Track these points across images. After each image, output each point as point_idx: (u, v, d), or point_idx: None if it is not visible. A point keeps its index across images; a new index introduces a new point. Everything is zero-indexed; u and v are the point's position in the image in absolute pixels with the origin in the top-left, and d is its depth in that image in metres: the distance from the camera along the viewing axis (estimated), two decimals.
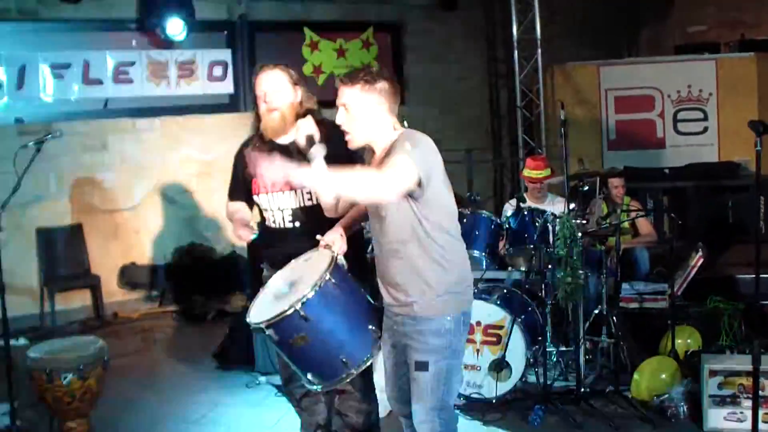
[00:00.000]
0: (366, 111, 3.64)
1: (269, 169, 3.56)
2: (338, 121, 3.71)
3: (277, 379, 6.24)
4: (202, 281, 9.26)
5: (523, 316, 5.84)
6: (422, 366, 3.66)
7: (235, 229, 4.42)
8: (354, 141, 3.73)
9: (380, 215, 3.69)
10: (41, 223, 8.74)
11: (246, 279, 9.15)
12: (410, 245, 3.63)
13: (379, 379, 4.99)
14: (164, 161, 9.55)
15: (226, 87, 9.83)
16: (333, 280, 3.68)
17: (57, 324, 8.48)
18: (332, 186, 3.51)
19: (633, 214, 7.27)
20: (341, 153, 3.87)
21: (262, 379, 6.58)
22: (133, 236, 9.38)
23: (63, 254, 8.80)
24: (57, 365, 5.04)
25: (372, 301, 3.92)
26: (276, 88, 4.28)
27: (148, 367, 7.31)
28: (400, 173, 3.45)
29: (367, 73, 3.67)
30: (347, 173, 3.46)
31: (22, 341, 7.70)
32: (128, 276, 9.31)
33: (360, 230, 4.34)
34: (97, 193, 9.15)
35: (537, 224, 6.06)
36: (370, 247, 4.30)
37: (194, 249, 9.61)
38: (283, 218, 4.39)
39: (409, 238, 3.63)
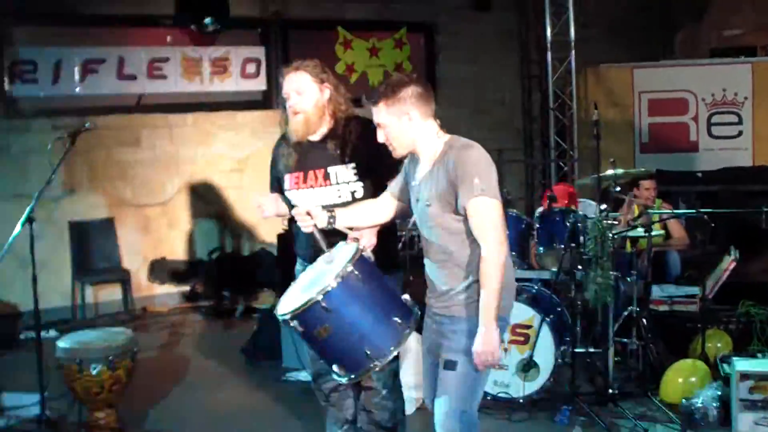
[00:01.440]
0: (398, 124, 3.62)
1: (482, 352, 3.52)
2: (379, 140, 3.70)
3: (303, 375, 6.27)
4: (232, 277, 9.34)
5: (551, 316, 5.79)
6: (451, 365, 3.63)
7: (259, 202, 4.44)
8: (397, 153, 3.73)
9: (429, 225, 3.68)
10: (74, 216, 8.82)
11: (275, 276, 9.16)
12: (457, 255, 3.62)
13: (406, 377, 5.05)
14: (196, 157, 9.60)
15: (259, 84, 9.89)
16: (356, 272, 3.64)
17: (87, 317, 8.56)
18: (497, 308, 3.50)
19: (665, 216, 7.19)
20: (373, 150, 3.85)
21: (290, 374, 6.59)
22: (163, 231, 9.43)
23: (95, 248, 8.88)
24: (87, 355, 5.08)
25: (401, 296, 3.91)
26: (299, 90, 4.24)
27: (177, 362, 7.34)
28: (494, 223, 3.49)
29: (387, 85, 3.63)
30: (486, 299, 3.47)
31: (52, 333, 7.77)
32: (158, 271, 9.37)
33: (393, 225, 4.33)
34: (130, 188, 9.22)
35: (568, 224, 6.01)
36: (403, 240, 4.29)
37: (224, 246, 9.68)
38: None
39: (457, 249, 3.62)
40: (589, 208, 6.85)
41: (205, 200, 9.64)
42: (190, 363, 7.29)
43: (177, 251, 9.50)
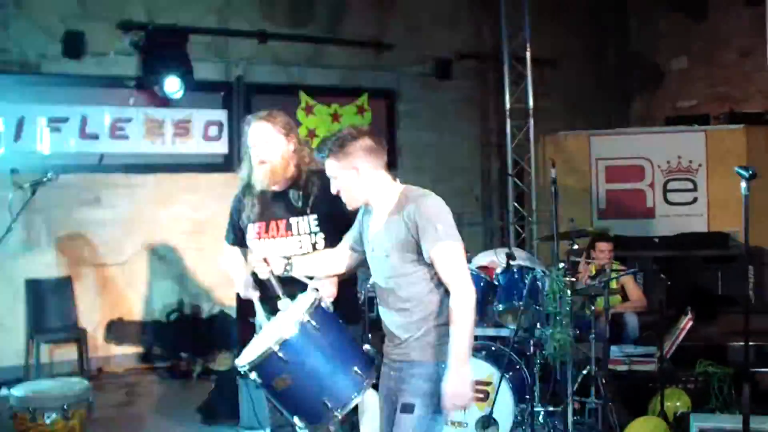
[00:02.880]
0: (347, 177, 3.65)
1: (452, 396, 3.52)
2: (333, 191, 3.73)
3: None
4: (190, 339, 9.20)
5: (511, 373, 5.78)
6: (408, 408, 3.60)
7: (238, 286, 4.40)
8: (351, 205, 3.75)
9: (386, 276, 3.69)
10: (31, 274, 8.68)
11: (234, 338, 9.05)
12: (418, 303, 3.63)
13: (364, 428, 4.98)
14: (156, 218, 9.52)
15: (221, 147, 9.87)
16: (313, 322, 3.62)
17: (42, 376, 8.35)
18: (468, 350, 3.51)
19: (622, 273, 7.25)
20: (335, 202, 3.84)
21: None
22: (121, 291, 9.31)
23: (51, 306, 8.71)
24: (41, 404, 4.99)
25: (360, 346, 3.88)
26: (266, 139, 4.27)
27: (133, 421, 7.20)
28: (460, 265, 3.55)
29: (336, 139, 3.66)
30: (458, 338, 3.47)
31: (4, 392, 7.56)
32: (115, 331, 9.21)
33: (353, 276, 4.32)
34: (88, 247, 9.10)
35: (526, 281, 6.03)
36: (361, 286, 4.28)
37: (182, 307, 9.56)
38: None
39: (418, 297, 3.63)
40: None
41: (165, 261, 9.55)
42: (146, 422, 7.16)
43: (135, 311, 9.36)
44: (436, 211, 3.56)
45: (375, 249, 3.73)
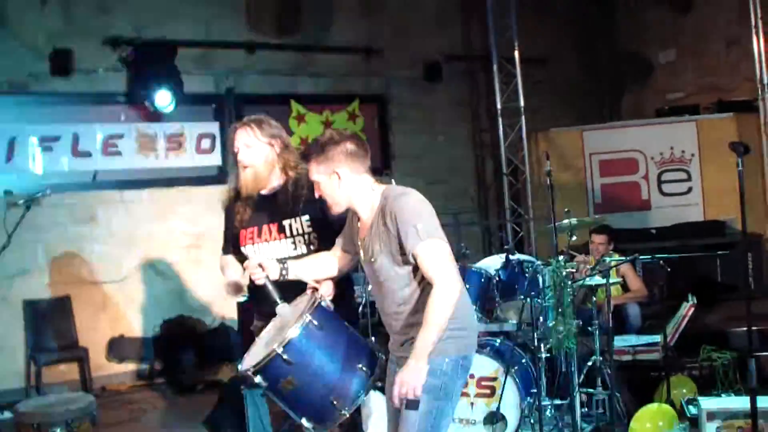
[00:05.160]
0: (329, 182, 3.65)
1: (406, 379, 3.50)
2: (316, 196, 3.74)
3: None
4: (192, 353, 9.11)
5: (516, 368, 5.75)
6: (413, 404, 3.57)
7: (225, 286, 4.39)
8: (334, 210, 3.74)
9: (378, 281, 3.68)
10: (28, 295, 8.63)
11: (236, 350, 9.01)
12: (412, 304, 3.62)
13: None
14: (152, 233, 9.48)
15: (214, 159, 9.83)
16: (315, 322, 3.60)
17: None
18: (432, 345, 3.46)
19: (621, 262, 7.24)
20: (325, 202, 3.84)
21: None
22: (121, 308, 9.26)
23: (50, 327, 8.63)
24: (45, 419, 4.97)
25: (365, 341, 3.85)
26: (247, 143, 4.31)
27: None
28: (443, 261, 3.49)
29: (317, 144, 3.65)
30: (426, 333, 3.43)
31: (7, 415, 7.50)
32: (116, 349, 9.16)
33: (347, 275, 4.29)
34: (85, 265, 9.06)
35: (527, 275, 6.00)
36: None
37: (183, 321, 9.48)
38: None
39: (412, 299, 3.62)
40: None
41: (163, 276, 9.51)
42: None
43: (135, 328, 9.31)
44: (414, 211, 3.54)
45: (364, 253, 3.72)
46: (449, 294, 3.46)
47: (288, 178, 4.36)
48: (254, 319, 4.56)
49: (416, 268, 3.56)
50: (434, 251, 3.49)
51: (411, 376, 3.43)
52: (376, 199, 3.65)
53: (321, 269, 4.03)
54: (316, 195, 3.73)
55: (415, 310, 3.60)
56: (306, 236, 4.32)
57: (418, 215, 3.52)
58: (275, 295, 3.86)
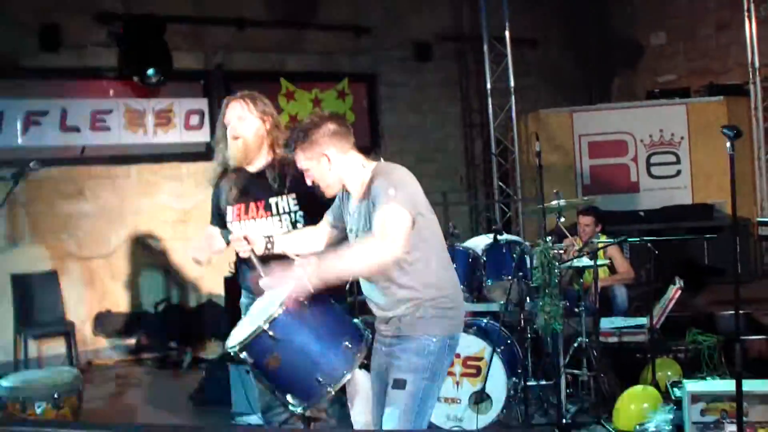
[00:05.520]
0: (318, 167, 3.63)
1: (272, 281, 3.55)
2: (308, 184, 3.72)
3: (254, 419, 6.12)
4: (178, 329, 9.17)
5: (502, 348, 5.75)
6: (400, 384, 3.59)
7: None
8: (329, 193, 3.73)
9: None
10: (16, 269, 8.59)
11: (222, 326, 9.00)
12: (398, 280, 3.59)
13: (356, 416, 4.96)
14: (140, 209, 9.46)
15: (203, 135, 9.76)
16: (300, 298, 3.59)
17: None
18: (333, 276, 3.45)
19: (609, 244, 7.25)
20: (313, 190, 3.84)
21: (240, 419, 6.42)
22: (108, 283, 9.24)
23: (38, 301, 8.61)
24: (31, 393, 4.93)
25: (351, 319, 3.85)
26: (240, 116, 4.30)
27: (124, 411, 7.16)
28: (396, 226, 3.41)
29: (299, 131, 3.64)
30: (338, 260, 3.43)
31: None
32: (103, 323, 9.14)
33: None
34: (73, 240, 9.03)
35: (514, 255, 6.01)
36: None
37: (170, 297, 9.52)
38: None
39: (398, 275, 3.58)
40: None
41: (150, 251, 9.49)
42: (139, 411, 7.11)
43: (122, 303, 9.30)
44: (395, 179, 3.52)
45: (352, 230, 3.72)
46: (379, 249, 3.41)
47: (275, 156, 4.35)
48: (241, 296, 4.54)
49: (409, 240, 3.50)
50: (390, 213, 3.42)
51: (289, 282, 3.48)
52: (366, 176, 3.63)
53: (307, 244, 4.01)
54: (308, 182, 3.72)
55: (404, 286, 3.59)
56: (293, 214, 4.32)
57: (397, 184, 3.49)
58: (260, 269, 3.85)
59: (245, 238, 3.92)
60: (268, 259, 3.94)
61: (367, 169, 3.65)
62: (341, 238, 3.96)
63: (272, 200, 4.33)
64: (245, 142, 4.29)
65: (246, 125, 4.29)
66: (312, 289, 3.44)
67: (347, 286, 5.52)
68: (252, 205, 4.37)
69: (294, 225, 4.29)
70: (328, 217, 3.98)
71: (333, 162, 3.61)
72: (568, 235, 6.88)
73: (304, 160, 3.64)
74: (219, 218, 4.51)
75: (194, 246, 4.42)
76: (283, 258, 3.94)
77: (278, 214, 4.32)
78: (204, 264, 4.32)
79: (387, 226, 3.40)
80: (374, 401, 3.88)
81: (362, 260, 3.43)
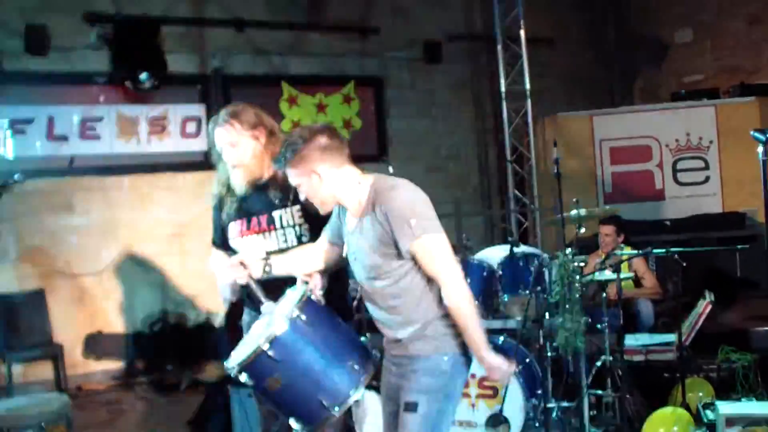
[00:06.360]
0: (309, 183, 3.61)
1: None
2: (302, 199, 3.73)
3: None
4: (175, 350, 9.18)
5: (520, 367, 5.71)
6: (411, 407, 3.55)
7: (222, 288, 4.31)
8: (323, 210, 3.73)
9: (370, 276, 3.64)
10: (0, 288, 8.58)
11: (223, 346, 8.97)
12: (407, 299, 3.58)
13: None
14: (134, 222, 9.46)
15: (200, 144, 9.76)
16: (303, 317, 3.58)
17: None
18: (480, 341, 3.53)
19: (633, 256, 7.19)
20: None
21: None
22: (99, 303, 9.22)
23: (24, 322, 8.57)
24: (16, 422, 4.92)
25: (358, 338, 3.82)
26: (232, 142, 4.25)
27: None
28: (447, 258, 3.51)
29: (287, 146, 3.60)
30: (469, 332, 3.51)
31: None
32: (94, 346, 9.14)
33: (337, 268, 4.25)
34: (61, 257, 9.03)
35: (532, 268, 5.97)
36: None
37: (166, 316, 9.52)
38: None
39: (406, 294, 3.58)
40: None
41: (145, 268, 9.47)
42: None
43: (115, 324, 9.28)
44: (407, 206, 3.49)
45: (352, 249, 3.70)
46: (459, 290, 3.49)
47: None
48: (244, 314, 4.50)
49: (410, 261, 3.52)
50: (431, 247, 3.47)
51: (496, 372, 3.56)
52: (363, 193, 3.60)
53: (307, 263, 3.99)
54: (302, 198, 3.72)
55: (412, 304, 3.57)
56: (297, 228, 4.30)
57: (411, 210, 3.47)
58: (260, 294, 3.82)
59: (241, 263, 3.89)
60: (270, 282, 3.91)
61: (363, 186, 3.62)
62: (341, 256, 3.94)
63: (275, 214, 4.31)
64: (246, 169, 4.26)
65: (240, 151, 4.24)
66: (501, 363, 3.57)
67: (354, 302, 5.50)
68: (254, 220, 4.36)
69: (299, 239, 4.28)
70: (326, 234, 3.96)
71: (324, 179, 3.58)
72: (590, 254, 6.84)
73: (294, 176, 3.62)
74: (221, 235, 4.48)
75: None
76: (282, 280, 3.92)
77: (282, 228, 4.31)
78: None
79: (438, 265, 3.50)
80: (385, 425, 3.86)
81: (469, 309, 3.52)
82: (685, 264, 6.23)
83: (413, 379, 3.57)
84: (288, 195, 4.25)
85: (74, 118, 9.02)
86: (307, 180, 3.59)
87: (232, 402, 6.49)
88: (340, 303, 4.21)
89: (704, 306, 6.33)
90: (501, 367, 3.53)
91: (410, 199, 3.52)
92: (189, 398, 8.07)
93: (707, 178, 10.45)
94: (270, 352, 3.49)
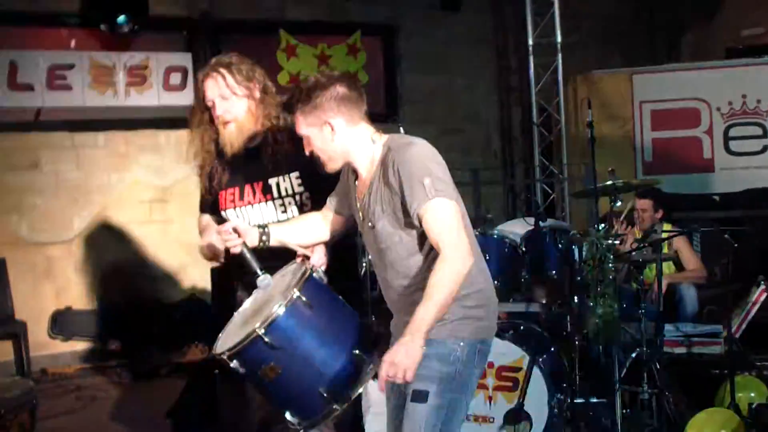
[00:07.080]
0: (321, 136, 3.61)
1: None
2: (306, 153, 3.70)
3: None
4: (154, 330, 9.23)
5: (544, 357, 5.70)
6: (420, 396, 3.53)
7: (200, 248, 4.31)
8: (330, 167, 3.71)
9: (380, 248, 3.64)
10: None
11: (208, 326, 9.02)
12: (420, 276, 3.57)
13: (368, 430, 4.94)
14: (109, 185, 9.53)
15: (185, 98, 9.68)
16: (304, 298, 3.56)
17: None
18: (433, 324, 3.40)
19: (674, 234, 7.18)
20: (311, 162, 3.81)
21: None
22: (69, 275, 9.31)
23: None
24: None
25: (363, 322, 3.82)
26: (223, 95, 4.23)
27: (87, 431, 7.18)
28: (455, 226, 3.45)
29: (301, 92, 3.60)
30: (426, 308, 3.36)
31: None
32: (62, 324, 9.22)
33: (350, 239, 4.27)
34: (26, 222, 9.10)
35: (560, 245, 5.95)
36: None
37: (145, 291, 9.59)
38: None
39: (419, 270, 3.58)
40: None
41: (122, 237, 9.54)
42: (106, 430, 7.14)
43: (86, 300, 9.36)
44: (422, 163, 3.49)
45: (363, 217, 3.70)
46: (457, 265, 3.42)
47: (272, 127, 4.30)
48: (237, 289, 4.48)
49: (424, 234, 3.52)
50: (442, 212, 3.44)
51: (403, 356, 3.34)
52: (377, 152, 3.62)
53: (309, 233, 4.00)
54: (306, 152, 3.69)
55: (426, 281, 3.51)
56: (297, 196, 4.30)
57: (427, 169, 3.47)
58: (255, 265, 3.82)
59: (234, 230, 3.90)
60: (264, 252, 3.89)
61: (377, 144, 3.63)
62: (349, 225, 3.96)
63: (272, 181, 4.31)
64: (238, 125, 4.24)
65: (233, 105, 4.23)
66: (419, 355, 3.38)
67: (360, 274, 5.51)
68: (248, 188, 4.36)
69: (301, 209, 4.27)
70: (331, 201, 3.98)
71: (338, 133, 3.59)
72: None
73: (304, 126, 3.62)
74: (211, 206, 4.47)
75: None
76: (281, 251, 3.91)
77: (280, 197, 4.31)
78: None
79: (444, 230, 3.43)
80: (388, 420, 3.86)
81: (446, 287, 3.40)
82: (736, 245, 6.20)
83: (423, 365, 3.49)
84: (284, 159, 4.25)
85: (41, 65, 8.97)
86: (317, 132, 3.60)
87: (219, 389, 6.52)
88: (346, 283, 4.19)
89: (758, 294, 6.32)
90: (411, 360, 3.34)
91: (425, 157, 3.52)
92: (170, 384, 8.10)
93: (764, 148, 10.39)
94: (266, 338, 3.48)
